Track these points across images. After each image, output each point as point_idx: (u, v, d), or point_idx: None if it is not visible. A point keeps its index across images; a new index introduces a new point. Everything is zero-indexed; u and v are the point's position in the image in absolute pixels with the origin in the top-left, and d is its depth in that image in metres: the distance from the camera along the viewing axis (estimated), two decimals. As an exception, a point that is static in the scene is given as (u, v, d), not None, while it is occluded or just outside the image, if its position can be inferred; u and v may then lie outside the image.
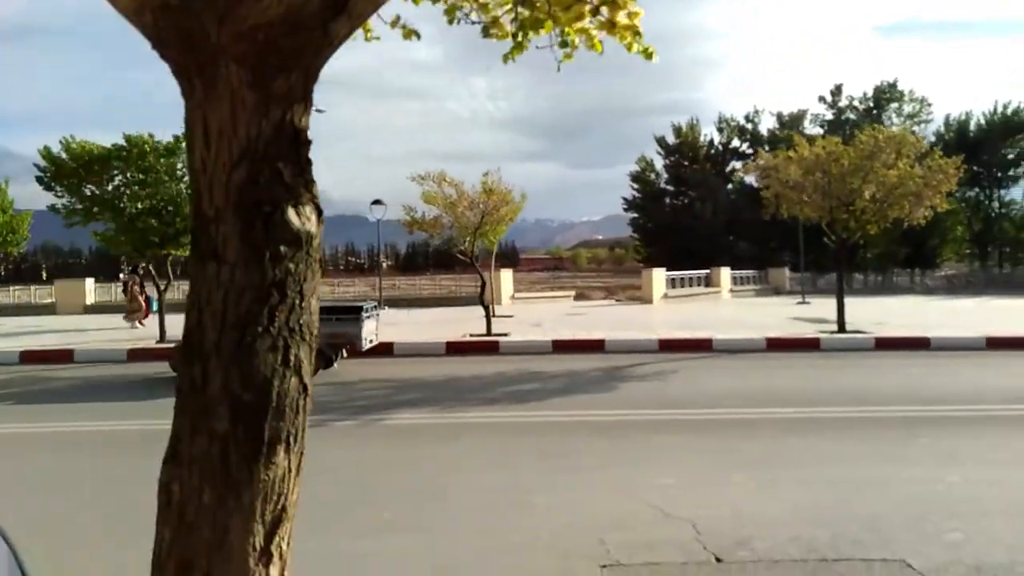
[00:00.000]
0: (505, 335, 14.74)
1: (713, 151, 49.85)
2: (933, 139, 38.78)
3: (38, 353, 13.76)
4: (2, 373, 12.24)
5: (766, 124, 50.10)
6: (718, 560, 4.22)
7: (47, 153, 13.43)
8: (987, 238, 45.38)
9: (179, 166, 13.73)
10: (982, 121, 44.37)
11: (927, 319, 18.14)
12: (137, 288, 17.95)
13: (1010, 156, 43.63)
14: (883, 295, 31.95)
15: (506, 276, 26.54)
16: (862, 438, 6.99)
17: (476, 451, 6.81)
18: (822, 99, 48.82)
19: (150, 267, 15.02)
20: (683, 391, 9.65)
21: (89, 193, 13.69)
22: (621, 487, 5.57)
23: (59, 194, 13.77)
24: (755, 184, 48.53)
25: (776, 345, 13.70)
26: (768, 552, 4.30)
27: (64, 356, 13.59)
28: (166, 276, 15.11)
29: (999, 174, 43.91)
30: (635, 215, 52.04)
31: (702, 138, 49.99)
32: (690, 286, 27.64)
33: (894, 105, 47.65)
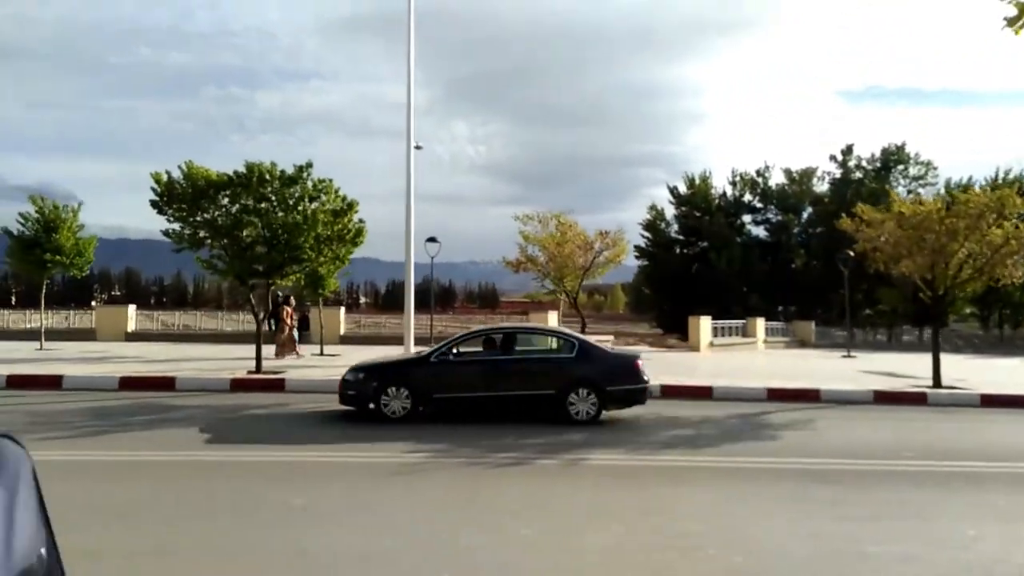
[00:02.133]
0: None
1: (725, 203, 50.87)
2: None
3: (139, 380, 13.32)
4: (111, 399, 11.85)
5: (776, 179, 51.45)
6: None
7: (165, 177, 13.20)
8: (991, 299, 46.53)
9: (296, 194, 13.56)
10: (985, 186, 45.94)
11: (995, 376, 18.69)
12: (288, 320, 17.64)
13: (1012, 221, 45.15)
14: (897, 351, 32.52)
15: (552, 318, 26.46)
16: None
17: (733, 497, 6.67)
18: (832, 157, 50.36)
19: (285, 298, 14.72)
20: (854, 441, 9.61)
21: (200, 219, 13.42)
22: (933, 538, 5.49)
23: (170, 219, 13.48)
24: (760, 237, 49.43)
25: (884, 398, 13.78)
26: None
27: (166, 383, 13.18)
28: (265, 306, 14.78)
29: (1002, 238, 45.32)
30: (645, 262, 52.61)
31: (713, 190, 51.06)
32: (730, 335, 27.81)
33: (900, 167, 49.29)
